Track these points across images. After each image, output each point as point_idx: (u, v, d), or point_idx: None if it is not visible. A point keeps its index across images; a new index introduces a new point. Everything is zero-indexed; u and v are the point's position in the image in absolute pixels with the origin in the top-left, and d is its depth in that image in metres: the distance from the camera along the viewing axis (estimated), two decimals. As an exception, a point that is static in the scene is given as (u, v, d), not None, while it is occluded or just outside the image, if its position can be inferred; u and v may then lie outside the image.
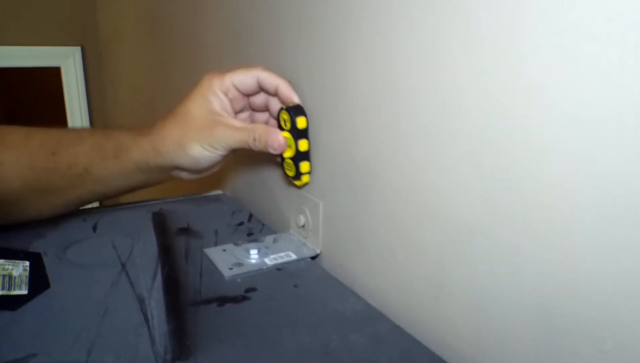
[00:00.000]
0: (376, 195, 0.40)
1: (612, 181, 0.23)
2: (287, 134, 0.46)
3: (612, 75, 0.22)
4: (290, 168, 0.48)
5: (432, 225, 0.35)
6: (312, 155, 0.48)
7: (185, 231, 0.55)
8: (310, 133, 0.47)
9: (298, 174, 0.47)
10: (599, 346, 0.25)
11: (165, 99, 1.03)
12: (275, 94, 0.47)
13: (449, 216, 0.33)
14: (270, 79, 0.46)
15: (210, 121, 0.45)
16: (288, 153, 0.47)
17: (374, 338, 0.35)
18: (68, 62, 1.71)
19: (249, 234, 0.55)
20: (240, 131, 0.45)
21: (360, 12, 0.38)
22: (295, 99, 0.46)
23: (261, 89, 0.48)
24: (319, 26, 0.43)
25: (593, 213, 0.24)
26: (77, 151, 0.47)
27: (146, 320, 0.37)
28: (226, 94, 0.46)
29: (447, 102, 0.32)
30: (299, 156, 0.46)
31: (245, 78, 0.46)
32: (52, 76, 1.73)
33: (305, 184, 0.49)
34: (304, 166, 0.47)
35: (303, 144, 0.46)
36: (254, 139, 0.45)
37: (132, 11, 1.22)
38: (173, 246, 0.51)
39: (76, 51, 1.72)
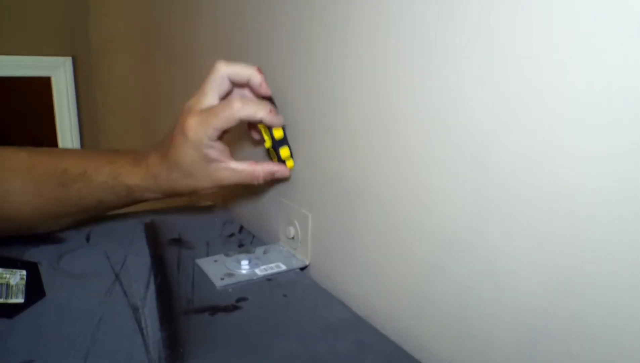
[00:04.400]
0: (364, 208, 0.42)
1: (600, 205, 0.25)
2: (261, 126, 0.49)
3: (610, 74, 0.23)
4: (273, 156, 0.52)
5: (417, 237, 0.37)
6: (302, 169, 0.49)
7: (177, 241, 0.56)
8: (301, 148, 0.49)
9: (280, 161, 0.51)
10: (570, 352, 0.27)
11: (157, 109, 1.04)
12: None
13: (435, 229, 0.35)
14: (241, 78, 0.46)
15: (212, 168, 0.47)
16: (267, 144, 0.50)
17: (360, 345, 0.37)
18: (59, 73, 1.72)
19: (240, 245, 0.56)
20: (242, 173, 0.48)
21: (355, 24, 0.40)
22: (264, 92, 0.47)
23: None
24: (313, 39, 0.45)
25: (576, 229, 0.26)
26: (87, 187, 0.49)
27: (140, 328, 0.38)
28: (217, 138, 0.46)
29: (434, 119, 0.34)
30: (277, 144, 0.50)
31: (228, 121, 0.44)
32: (42, 86, 1.73)
33: (291, 168, 0.51)
34: (284, 151, 0.50)
35: (277, 132, 0.49)
36: (258, 180, 0.49)
37: (124, 22, 1.23)
38: (165, 257, 0.52)
39: (67, 61, 1.72)
